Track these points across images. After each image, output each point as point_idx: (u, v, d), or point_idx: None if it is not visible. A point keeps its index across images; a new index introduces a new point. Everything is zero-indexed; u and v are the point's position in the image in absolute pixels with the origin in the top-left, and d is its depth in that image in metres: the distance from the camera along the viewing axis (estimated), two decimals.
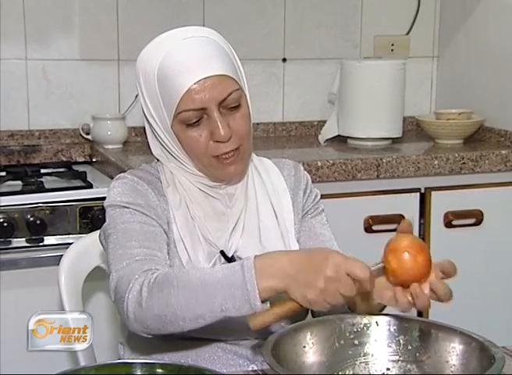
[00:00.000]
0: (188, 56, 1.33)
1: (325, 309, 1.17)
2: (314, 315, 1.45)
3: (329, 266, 1.15)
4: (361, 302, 1.33)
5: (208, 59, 1.33)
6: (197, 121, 1.35)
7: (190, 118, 1.34)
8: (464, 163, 2.42)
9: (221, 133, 1.34)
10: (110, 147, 2.57)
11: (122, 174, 1.45)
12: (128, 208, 1.37)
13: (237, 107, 1.36)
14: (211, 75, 1.32)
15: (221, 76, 1.33)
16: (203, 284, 1.20)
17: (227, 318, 1.20)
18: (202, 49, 1.34)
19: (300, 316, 1.42)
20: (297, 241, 1.48)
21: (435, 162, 2.39)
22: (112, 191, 1.41)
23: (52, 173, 2.42)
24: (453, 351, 1.19)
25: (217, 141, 1.35)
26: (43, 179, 2.32)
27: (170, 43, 1.36)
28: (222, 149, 1.36)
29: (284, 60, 2.86)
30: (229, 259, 1.40)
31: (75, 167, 2.50)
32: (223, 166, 1.38)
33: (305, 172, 1.56)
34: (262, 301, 1.17)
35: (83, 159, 2.61)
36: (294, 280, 1.17)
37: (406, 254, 1.18)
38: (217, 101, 1.33)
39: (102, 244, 1.43)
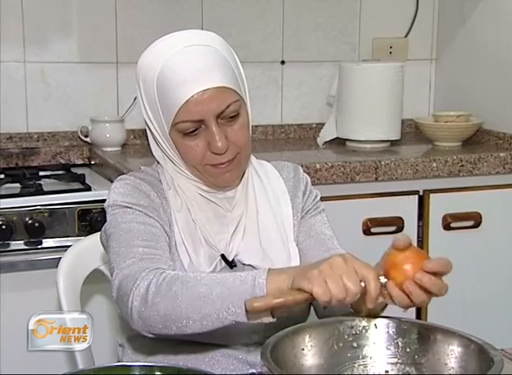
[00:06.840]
0: (187, 67, 1.32)
1: (328, 299, 1.12)
2: (318, 314, 1.45)
3: (338, 257, 1.16)
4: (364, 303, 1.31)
5: (207, 71, 1.32)
6: (194, 130, 1.34)
7: (187, 128, 1.34)
8: (462, 166, 2.42)
9: (218, 145, 1.33)
10: (108, 149, 2.57)
11: (123, 175, 1.45)
12: (130, 208, 1.37)
13: (236, 117, 1.35)
14: (210, 87, 1.31)
15: (220, 88, 1.32)
16: (212, 287, 1.20)
17: (232, 323, 1.19)
18: (202, 59, 1.32)
19: (301, 317, 1.42)
20: (297, 243, 1.47)
21: (434, 164, 2.39)
22: (114, 192, 1.40)
23: (51, 175, 2.42)
24: (452, 354, 1.19)
25: (213, 152, 1.35)
26: (41, 181, 2.32)
27: (170, 51, 1.33)
28: (219, 160, 1.36)
29: (283, 63, 2.86)
30: (230, 263, 1.40)
31: (73, 170, 2.49)
32: (218, 173, 1.38)
33: (304, 173, 1.55)
34: None
35: (81, 162, 2.60)
36: (301, 270, 1.18)
37: (407, 266, 1.18)
38: (215, 113, 1.32)
39: (103, 245, 1.43)
